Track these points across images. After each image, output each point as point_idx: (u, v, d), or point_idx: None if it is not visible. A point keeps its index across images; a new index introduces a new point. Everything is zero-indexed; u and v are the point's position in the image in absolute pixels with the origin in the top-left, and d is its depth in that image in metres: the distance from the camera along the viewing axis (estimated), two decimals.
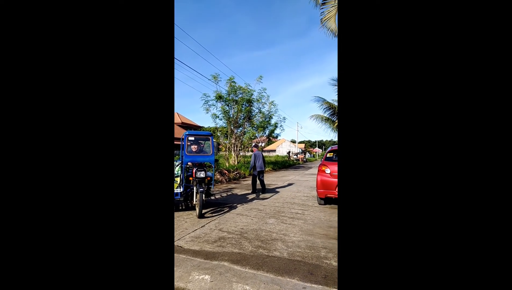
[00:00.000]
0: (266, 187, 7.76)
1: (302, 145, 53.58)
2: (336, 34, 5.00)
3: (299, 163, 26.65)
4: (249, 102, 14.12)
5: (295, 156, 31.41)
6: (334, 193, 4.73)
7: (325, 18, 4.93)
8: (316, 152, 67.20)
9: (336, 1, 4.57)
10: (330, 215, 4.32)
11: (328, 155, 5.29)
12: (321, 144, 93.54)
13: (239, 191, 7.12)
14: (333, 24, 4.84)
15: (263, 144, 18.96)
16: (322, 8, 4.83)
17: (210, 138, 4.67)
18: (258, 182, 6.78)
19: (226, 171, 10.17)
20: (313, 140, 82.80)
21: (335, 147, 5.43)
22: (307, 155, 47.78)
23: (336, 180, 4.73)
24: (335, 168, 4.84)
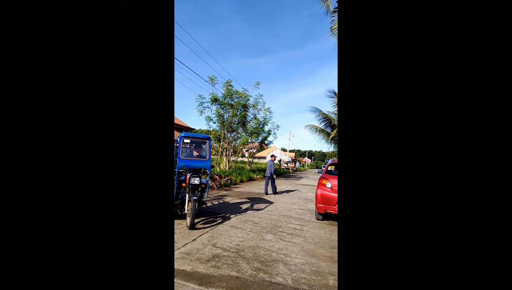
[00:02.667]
0: (258, 196, 7.56)
1: (292, 154, 53.71)
2: None
3: (289, 172, 26.47)
4: (245, 107, 13.87)
5: (285, 165, 31.30)
6: (334, 209, 4.48)
7: (335, 27, 4.77)
8: (305, 161, 67.49)
9: None
10: (331, 233, 4.05)
11: (329, 168, 5.06)
12: (311, 154, 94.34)
13: (231, 199, 6.76)
14: None
15: (254, 150, 18.65)
16: (333, 16, 4.67)
17: (207, 141, 4.34)
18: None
19: (217, 177, 9.77)
20: (303, 149, 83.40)
21: (337, 160, 5.21)
22: (297, 164, 47.86)
23: (337, 195, 4.49)
24: (336, 182, 4.60)
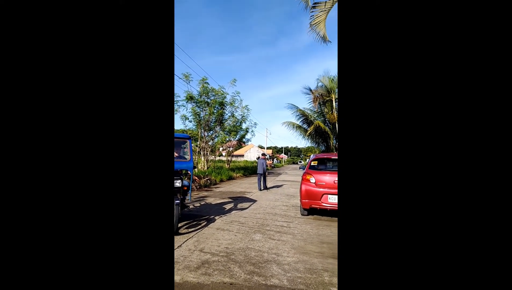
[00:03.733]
0: (241, 195, 7.48)
1: (270, 151, 54.22)
2: (326, 39, 4.91)
3: (267, 169, 26.65)
4: (222, 105, 13.59)
5: None
6: (319, 203, 4.52)
7: (314, 22, 4.79)
8: (282, 158, 68.61)
9: (326, 6, 4.48)
10: (317, 228, 4.07)
11: (312, 164, 5.09)
12: (287, 151, 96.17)
13: (213, 200, 6.56)
14: (323, 28, 4.72)
15: (231, 149, 18.41)
16: (312, 12, 4.69)
17: (187, 141, 4.11)
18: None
19: (196, 178, 9.45)
20: (279, 146, 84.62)
21: (320, 155, 5.27)
22: (274, 161, 48.46)
23: (322, 190, 4.54)
24: (319, 177, 4.65)
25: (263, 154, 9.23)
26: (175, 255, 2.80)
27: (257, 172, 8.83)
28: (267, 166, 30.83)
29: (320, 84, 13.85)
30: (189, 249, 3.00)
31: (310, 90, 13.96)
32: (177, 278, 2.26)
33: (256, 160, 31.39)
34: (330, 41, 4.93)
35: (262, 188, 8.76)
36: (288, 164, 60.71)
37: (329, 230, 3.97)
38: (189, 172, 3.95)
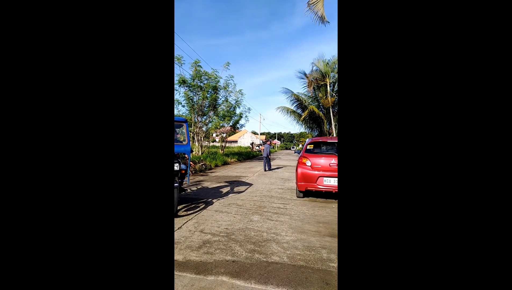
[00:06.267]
0: (237, 179, 7.56)
1: (263, 137, 54.31)
2: (324, 19, 4.78)
3: (261, 154, 26.84)
4: (215, 89, 13.33)
5: (257, 147, 31.68)
6: (314, 185, 4.61)
7: (312, 2, 4.64)
8: (275, 143, 68.91)
9: None
10: (313, 209, 4.18)
11: (308, 147, 5.14)
12: (280, 136, 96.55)
13: (209, 184, 6.60)
14: (321, 8, 4.58)
15: (224, 134, 18.28)
16: None
17: (184, 124, 4.05)
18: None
19: (191, 163, 9.44)
20: (272, 132, 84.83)
21: (315, 139, 5.31)
22: None
23: (317, 172, 4.62)
24: (315, 160, 4.71)
25: (268, 140, 11.36)
26: (175, 236, 2.84)
27: (263, 156, 10.58)
28: (260, 151, 31.14)
29: (315, 68, 13.70)
30: (189, 230, 3.04)
31: (305, 74, 13.81)
32: (179, 257, 2.30)
33: (250, 145, 31.76)
34: (328, 22, 4.82)
35: (267, 169, 10.14)
36: (281, 149, 61.20)
37: (325, 211, 4.09)
38: (186, 155, 3.92)
